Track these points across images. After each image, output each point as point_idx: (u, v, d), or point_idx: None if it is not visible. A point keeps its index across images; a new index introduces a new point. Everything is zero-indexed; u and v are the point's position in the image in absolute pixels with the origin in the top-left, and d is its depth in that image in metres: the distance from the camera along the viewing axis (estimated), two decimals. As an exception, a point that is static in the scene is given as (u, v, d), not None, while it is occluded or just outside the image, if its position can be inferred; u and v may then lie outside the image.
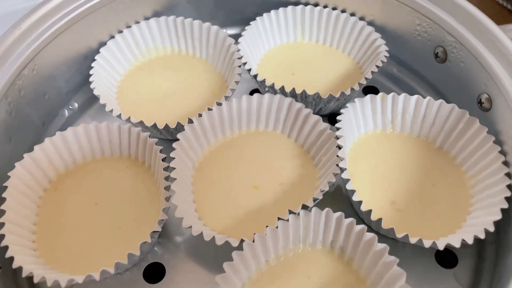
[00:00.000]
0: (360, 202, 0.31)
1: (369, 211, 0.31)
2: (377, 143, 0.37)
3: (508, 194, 0.30)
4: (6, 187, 0.31)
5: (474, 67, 0.35)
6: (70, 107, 0.41)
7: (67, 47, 0.38)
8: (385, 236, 0.33)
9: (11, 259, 0.28)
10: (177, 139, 0.34)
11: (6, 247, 0.28)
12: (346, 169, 0.32)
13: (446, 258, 0.34)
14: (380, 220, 0.31)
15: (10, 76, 0.32)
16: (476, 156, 0.34)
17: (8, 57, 0.33)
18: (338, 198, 0.37)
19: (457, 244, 0.29)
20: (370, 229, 0.31)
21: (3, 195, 0.31)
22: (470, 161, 0.35)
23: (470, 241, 0.29)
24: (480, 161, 0.34)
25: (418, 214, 0.33)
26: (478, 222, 0.31)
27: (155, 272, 0.33)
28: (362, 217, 0.34)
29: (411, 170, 0.36)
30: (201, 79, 0.42)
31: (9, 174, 0.32)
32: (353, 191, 0.32)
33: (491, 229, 0.29)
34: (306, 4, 0.44)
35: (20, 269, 0.28)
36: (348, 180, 0.32)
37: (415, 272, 0.33)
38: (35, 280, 0.28)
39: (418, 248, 0.34)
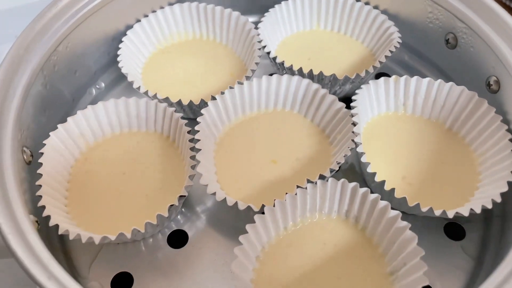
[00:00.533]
0: (374, 174, 0.33)
1: (382, 182, 0.33)
2: (389, 124, 0.39)
3: (514, 168, 0.32)
4: (42, 153, 0.33)
5: (483, 51, 0.37)
6: (97, 86, 0.43)
7: (97, 28, 0.40)
8: (396, 209, 0.35)
9: (48, 218, 0.30)
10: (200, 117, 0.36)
11: (43, 207, 0.31)
12: (361, 143, 0.34)
13: (454, 231, 0.35)
14: (392, 190, 0.32)
15: (47, 50, 0.35)
16: (485, 135, 0.36)
17: (45, 33, 0.35)
18: (352, 175, 0.39)
19: (465, 213, 0.31)
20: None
21: (39, 160, 0.33)
22: (479, 140, 0.36)
23: (478, 210, 0.31)
24: (488, 140, 0.36)
25: (428, 188, 0.35)
26: (486, 195, 0.32)
27: (178, 238, 0.35)
28: (375, 191, 0.36)
29: (421, 149, 0.38)
30: (222, 63, 0.44)
31: (44, 142, 0.34)
32: (367, 164, 0.34)
33: (498, 199, 0.31)
34: (322, -7, 0.46)
35: (56, 227, 0.30)
36: (362, 153, 0.34)
37: (425, 244, 0.34)
38: (71, 237, 0.30)
39: (428, 222, 0.35)
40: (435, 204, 0.33)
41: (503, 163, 0.33)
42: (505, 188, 0.31)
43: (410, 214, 0.35)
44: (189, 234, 0.35)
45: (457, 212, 0.31)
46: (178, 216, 0.36)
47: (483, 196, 0.33)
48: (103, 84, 0.44)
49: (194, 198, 0.37)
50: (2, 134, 0.29)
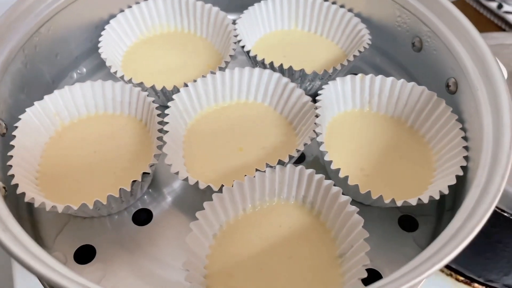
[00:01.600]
0: (330, 162, 0.35)
1: (338, 170, 0.34)
2: (354, 120, 0.41)
3: (464, 163, 0.34)
4: (16, 127, 0.35)
5: (444, 54, 0.39)
6: (78, 71, 0.45)
7: (81, 14, 0.42)
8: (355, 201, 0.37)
9: (16, 186, 0.32)
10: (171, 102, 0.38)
11: (12, 176, 0.32)
12: (321, 133, 0.36)
13: (407, 223, 0.37)
14: (346, 178, 0.34)
15: (29, 30, 0.36)
16: (441, 134, 0.38)
17: (29, 13, 0.37)
18: (315, 167, 0.40)
19: (413, 202, 0.33)
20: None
21: (13, 133, 0.34)
22: (436, 138, 0.38)
23: (425, 200, 0.33)
24: (444, 138, 0.37)
25: (384, 180, 0.37)
26: (436, 188, 0.34)
27: (143, 217, 0.37)
28: (334, 182, 0.38)
29: (382, 144, 0.39)
30: (200, 55, 0.46)
31: (20, 116, 0.35)
32: (330, 162, 0.35)
33: (446, 191, 0.33)
34: (300, -5, 0.48)
35: (23, 195, 0.31)
36: (325, 152, 0.36)
37: (379, 233, 0.36)
38: (36, 205, 0.31)
39: (383, 213, 0.37)
40: (389, 196, 0.34)
41: (455, 159, 0.35)
42: (453, 181, 0.33)
43: (366, 206, 0.37)
44: (154, 213, 0.37)
45: (405, 201, 0.33)
46: (145, 196, 0.38)
47: (433, 189, 0.34)
48: (84, 70, 0.46)
49: (161, 180, 0.39)
50: (-24, 103, 0.31)
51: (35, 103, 0.36)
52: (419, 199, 0.33)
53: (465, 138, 0.35)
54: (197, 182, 0.33)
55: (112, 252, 0.35)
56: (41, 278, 0.23)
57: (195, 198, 0.38)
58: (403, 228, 0.37)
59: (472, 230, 0.25)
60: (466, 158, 0.34)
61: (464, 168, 0.34)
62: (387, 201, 0.33)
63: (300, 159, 0.41)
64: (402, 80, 0.39)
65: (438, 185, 0.35)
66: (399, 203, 0.33)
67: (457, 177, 0.33)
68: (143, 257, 0.34)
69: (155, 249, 0.35)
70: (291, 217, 0.34)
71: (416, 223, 0.37)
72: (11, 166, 0.32)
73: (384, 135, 0.40)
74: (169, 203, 0.38)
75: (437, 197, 0.33)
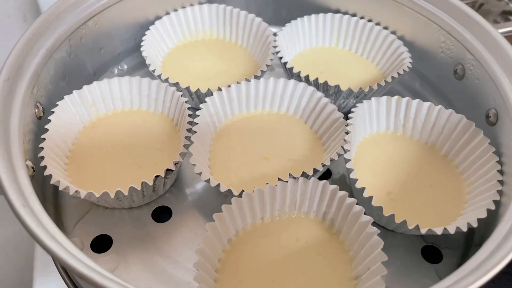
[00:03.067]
0: (362, 189, 0.34)
1: (370, 198, 0.33)
2: (385, 142, 0.40)
3: (497, 198, 0.32)
4: (53, 112, 0.36)
5: (487, 84, 0.37)
6: (119, 67, 0.47)
7: (128, 12, 0.44)
8: (378, 224, 0.35)
9: (45, 168, 0.33)
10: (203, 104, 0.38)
11: (42, 158, 0.33)
12: (350, 160, 0.35)
13: (431, 254, 0.35)
14: (370, 198, 0.33)
15: (76, 22, 0.38)
16: (476, 165, 0.36)
17: (79, 6, 0.38)
18: (341, 186, 0.39)
19: (438, 232, 0.31)
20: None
21: (49, 117, 0.35)
22: (470, 170, 0.37)
23: (452, 231, 0.31)
24: (478, 170, 0.36)
25: (410, 207, 0.35)
26: (465, 220, 0.32)
27: (162, 214, 0.37)
28: (360, 204, 0.37)
29: (412, 170, 0.38)
30: (238, 64, 0.47)
31: (58, 103, 0.37)
32: (355, 180, 0.34)
33: (474, 224, 0.31)
34: (345, 13, 0.48)
35: (49, 177, 0.32)
36: (352, 170, 0.35)
37: (399, 261, 0.35)
38: (60, 188, 0.32)
39: (406, 241, 0.36)
40: (413, 222, 0.33)
41: (488, 192, 0.33)
42: (483, 215, 0.32)
43: (389, 231, 0.36)
44: (173, 211, 0.37)
45: (429, 229, 0.31)
46: (167, 194, 0.38)
47: (462, 221, 0.33)
48: (125, 66, 0.47)
49: (185, 180, 0.39)
50: (18, 84, 0.32)
51: (74, 91, 0.38)
52: (445, 229, 0.31)
53: (500, 172, 0.34)
54: (218, 185, 0.33)
55: (128, 245, 0.35)
56: (54, 256, 0.23)
57: (216, 201, 0.38)
58: (425, 259, 0.35)
59: (497, 265, 0.24)
60: (500, 192, 0.33)
61: (496, 203, 0.32)
62: (411, 227, 0.32)
63: (326, 176, 0.40)
64: (440, 106, 0.38)
65: (467, 217, 0.33)
66: (423, 230, 0.31)
67: (489, 211, 0.32)
68: (157, 254, 0.34)
69: (170, 247, 0.35)
70: (310, 231, 0.34)
71: (440, 255, 0.35)
72: (42, 148, 0.33)
73: (415, 161, 0.39)
74: (190, 204, 0.38)
75: (464, 229, 0.31)
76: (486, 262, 0.24)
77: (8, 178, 0.26)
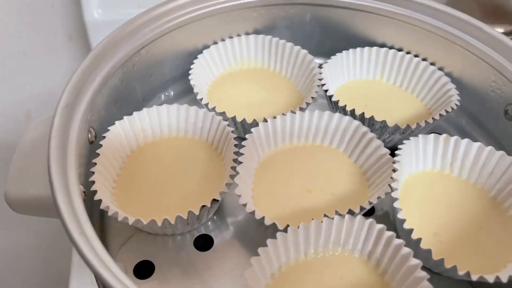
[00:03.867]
0: (410, 231, 0.33)
1: (419, 240, 0.33)
2: (432, 181, 0.39)
3: (553, 247, 0.31)
4: (104, 137, 0.37)
5: (541, 127, 0.36)
6: (166, 93, 0.48)
7: (178, 41, 0.45)
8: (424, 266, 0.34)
9: (95, 192, 0.33)
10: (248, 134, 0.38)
11: (92, 182, 0.34)
12: (398, 199, 0.35)
13: (480, 300, 0.34)
14: (419, 240, 0.32)
15: (131, 50, 0.39)
16: (528, 210, 0.35)
17: (134, 35, 0.40)
18: (385, 223, 0.38)
19: (490, 279, 0.30)
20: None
21: (100, 142, 0.37)
22: (522, 214, 0.35)
23: (504, 279, 0.30)
24: (531, 215, 0.35)
25: (458, 250, 0.34)
26: (517, 267, 0.31)
27: (204, 242, 0.37)
28: (407, 245, 0.36)
29: (460, 211, 0.37)
30: (282, 94, 0.47)
31: (109, 128, 0.38)
32: (403, 220, 0.34)
33: (529, 274, 0.30)
34: (391, 48, 0.48)
35: (99, 201, 0.33)
36: (399, 209, 0.34)
37: (445, 306, 0.34)
38: (109, 213, 0.32)
39: (452, 285, 0.35)
40: (463, 268, 0.32)
41: (542, 240, 0.32)
42: (539, 264, 0.30)
43: (435, 273, 0.35)
44: (215, 241, 0.37)
45: (481, 276, 0.30)
46: (209, 223, 0.38)
47: (514, 269, 0.32)
48: (172, 93, 0.48)
49: (228, 209, 0.39)
50: (76, 110, 0.33)
51: (125, 117, 0.39)
52: (497, 277, 0.30)
53: (556, 219, 0.33)
54: (263, 218, 0.33)
55: (169, 272, 0.35)
56: (106, 286, 0.24)
57: (257, 233, 0.38)
58: (473, 306, 0.34)
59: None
60: (556, 241, 0.31)
61: (552, 252, 0.31)
62: (461, 272, 0.31)
63: (369, 212, 0.39)
64: (490, 147, 0.37)
65: (521, 265, 0.32)
66: (474, 277, 0.30)
67: (543, 260, 0.31)
68: (199, 283, 0.34)
69: (211, 277, 0.35)
70: (354, 271, 0.33)
71: (490, 301, 0.34)
72: (93, 172, 0.34)
73: (463, 202, 0.38)
74: (231, 234, 0.38)
75: (517, 278, 0.30)
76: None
77: (65, 205, 0.26)
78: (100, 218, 0.37)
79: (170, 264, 0.35)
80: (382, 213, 0.39)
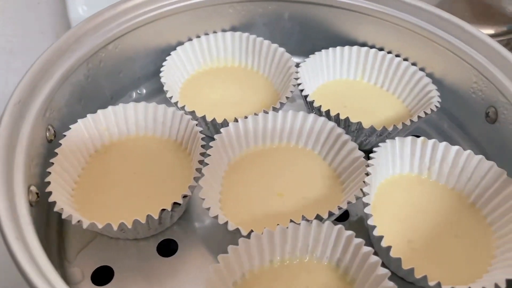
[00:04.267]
0: (380, 238, 0.31)
1: (389, 248, 0.31)
2: (409, 185, 0.38)
3: (530, 257, 0.29)
4: (65, 135, 0.35)
5: (521, 130, 0.35)
6: (138, 91, 0.46)
7: (150, 37, 0.43)
8: (396, 275, 0.33)
9: (49, 194, 0.32)
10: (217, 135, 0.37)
11: (48, 183, 0.32)
12: (369, 204, 0.33)
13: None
14: (389, 248, 0.31)
15: (96, 45, 0.38)
16: (507, 217, 0.33)
17: (100, 29, 0.38)
18: (358, 229, 0.37)
19: (463, 291, 0.28)
20: (383, 265, 0.31)
21: (60, 141, 0.35)
22: (500, 221, 0.34)
23: (478, 292, 0.28)
24: (509, 223, 0.33)
25: (432, 258, 0.33)
26: (492, 278, 0.30)
27: (168, 248, 0.35)
28: (378, 253, 0.34)
29: (436, 217, 0.35)
30: (258, 93, 0.45)
31: (70, 126, 0.36)
32: (373, 227, 0.32)
33: (502, 285, 0.28)
34: (372, 47, 0.46)
35: (54, 203, 0.31)
36: (370, 215, 0.33)
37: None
38: (63, 216, 0.31)
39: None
40: (435, 277, 0.30)
41: (519, 249, 0.31)
42: (511, 276, 0.29)
43: (408, 283, 0.33)
44: (180, 246, 0.35)
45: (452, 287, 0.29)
46: (174, 227, 0.36)
47: (488, 279, 0.30)
48: (144, 91, 0.46)
49: (194, 212, 0.37)
50: (30, 107, 0.32)
51: (88, 115, 0.37)
52: (470, 288, 0.29)
53: (534, 228, 0.31)
54: (226, 222, 0.32)
55: (129, 279, 0.33)
56: None
57: (225, 238, 0.36)
58: (446, 316, 0.32)
59: None
60: (533, 251, 0.30)
61: (529, 262, 0.29)
62: (432, 283, 0.29)
63: (344, 217, 0.38)
64: (469, 151, 0.36)
65: (495, 275, 0.30)
66: (445, 286, 0.29)
67: (520, 271, 0.29)
68: (159, 291, 0.33)
69: (174, 284, 0.33)
70: (321, 279, 0.31)
71: (463, 314, 0.32)
72: (49, 173, 0.33)
73: (440, 208, 0.36)
74: (197, 239, 0.36)
75: (492, 290, 0.28)
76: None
77: (4, 207, 0.24)
78: (58, 222, 0.35)
79: (130, 270, 0.34)
80: (357, 219, 0.38)
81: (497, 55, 0.37)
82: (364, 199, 0.33)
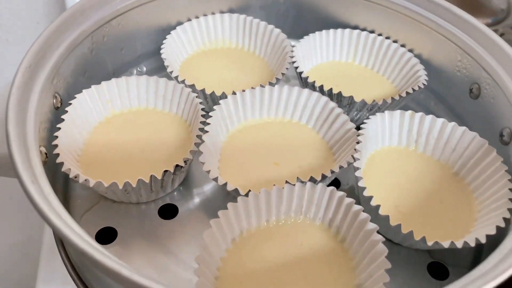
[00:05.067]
0: (370, 198, 0.33)
1: (377, 207, 0.33)
2: (397, 157, 0.40)
3: (508, 216, 0.32)
4: (70, 103, 0.37)
5: (502, 103, 0.37)
6: (138, 69, 0.48)
7: (151, 16, 0.45)
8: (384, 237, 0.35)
9: (57, 156, 0.33)
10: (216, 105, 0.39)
11: (55, 146, 0.34)
12: (359, 168, 0.35)
13: (437, 270, 0.35)
14: (378, 207, 0.33)
15: (100, 20, 0.39)
16: (488, 184, 0.36)
17: (104, 4, 0.40)
18: (350, 196, 0.39)
19: (445, 245, 0.31)
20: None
21: (66, 108, 0.36)
22: (482, 188, 0.36)
23: (459, 245, 0.31)
24: (490, 188, 0.35)
25: (418, 221, 0.35)
26: (473, 235, 0.32)
27: (168, 211, 0.37)
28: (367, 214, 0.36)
29: (422, 186, 0.38)
30: (255, 73, 0.47)
31: (76, 95, 0.38)
32: (363, 188, 0.34)
33: (483, 240, 0.31)
34: (363, 30, 0.48)
35: (61, 165, 0.33)
36: (360, 178, 0.35)
37: (404, 275, 0.34)
38: (71, 175, 0.32)
39: (412, 256, 0.35)
40: (420, 235, 0.32)
41: (498, 210, 0.33)
42: (493, 232, 0.31)
43: (396, 245, 0.35)
44: (180, 210, 0.37)
45: (436, 242, 0.31)
46: (175, 193, 0.38)
47: (470, 236, 0.32)
48: (144, 68, 0.48)
49: (194, 180, 0.39)
50: (39, 72, 0.33)
51: (92, 86, 0.39)
52: (452, 242, 0.31)
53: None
54: (225, 184, 0.33)
55: (132, 239, 0.35)
56: (55, 230, 0.24)
57: (223, 204, 0.37)
58: (431, 275, 0.34)
59: (502, 273, 0.23)
60: (511, 210, 0.32)
61: (507, 221, 0.31)
62: (417, 238, 0.31)
63: (335, 185, 0.40)
64: (453, 123, 0.38)
65: (476, 233, 0.32)
66: (430, 243, 0.31)
67: (498, 229, 0.31)
68: (161, 250, 0.34)
69: (174, 244, 0.35)
70: (314, 238, 0.33)
71: (447, 273, 0.34)
72: (56, 137, 0.34)
73: (426, 177, 0.38)
74: (196, 204, 0.38)
75: (472, 244, 0.30)
76: (490, 272, 0.24)
77: (20, 156, 0.26)
78: (64, 185, 0.37)
79: (133, 231, 0.35)
80: (348, 187, 0.40)
81: (480, 34, 0.39)
82: (355, 164, 0.35)
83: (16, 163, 0.25)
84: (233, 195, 0.34)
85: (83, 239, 0.23)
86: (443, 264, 0.35)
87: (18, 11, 0.92)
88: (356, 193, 0.39)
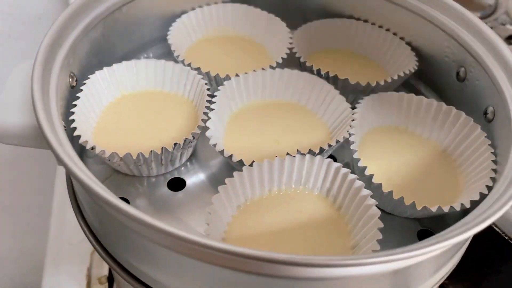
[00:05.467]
0: (364, 168, 0.36)
1: (371, 176, 0.36)
2: (389, 136, 0.43)
3: (491, 183, 0.35)
4: (84, 83, 0.39)
5: (486, 84, 0.40)
6: (145, 55, 0.50)
7: (159, 4, 0.48)
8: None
9: (73, 131, 0.36)
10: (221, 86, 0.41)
11: (72, 121, 0.36)
12: (354, 142, 0.38)
13: (426, 237, 0.37)
14: (371, 176, 0.36)
15: (113, 5, 0.42)
16: (473, 158, 0.39)
17: (116, -8, 0.42)
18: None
19: (433, 209, 0.34)
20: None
21: (81, 87, 0.39)
22: (467, 162, 0.39)
23: (446, 210, 0.34)
24: (475, 161, 0.38)
25: (409, 191, 0.38)
26: (459, 200, 0.35)
27: (177, 184, 0.40)
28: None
29: (412, 161, 0.40)
30: (257, 60, 0.50)
31: (89, 76, 0.40)
32: (358, 160, 0.37)
33: (467, 205, 0.34)
34: (357, 19, 0.51)
35: (78, 137, 0.35)
36: (355, 151, 0.38)
37: (395, 243, 0.37)
38: (88, 147, 0.35)
39: (403, 224, 0.38)
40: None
41: (482, 179, 0.36)
42: (476, 197, 0.34)
43: (387, 214, 0.38)
44: (188, 183, 0.40)
45: (425, 207, 0.34)
46: (182, 168, 0.41)
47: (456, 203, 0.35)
48: (151, 55, 0.51)
49: (201, 157, 0.42)
50: (58, 52, 0.36)
51: (104, 68, 0.41)
52: (439, 207, 0.34)
53: (495, 162, 0.36)
54: (231, 155, 0.36)
55: (143, 208, 0.37)
56: (91, 191, 0.26)
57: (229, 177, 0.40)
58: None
59: (484, 221, 0.26)
60: (493, 179, 0.35)
61: (490, 188, 0.34)
62: (407, 203, 0.34)
63: (331, 162, 0.43)
64: (441, 102, 0.41)
65: (462, 199, 0.35)
66: (419, 206, 0.34)
67: (482, 196, 0.34)
68: (170, 218, 0.37)
69: (182, 213, 0.37)
70: (313, 206, 0.36)
71: (435, 239, 0.37)
72: (73, 113, 0.37)
73: (416, 154, 0.41)
74: (203, 178, 0.40)
75: (458, 208, 0.33)
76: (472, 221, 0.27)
77: (48, 124, 0.29)
78: (79, 158, 0.39)
79: (143, 201, 0.38)
80: (343, 164, 0.42)
81: (466, 20, 0.42)
82: (350, 139, 0.38)
83: (45, 130, 0.28)
84: (237, 170, 0.37)
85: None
86: (431, 231, 0.38)
87: (19, 6, 0.95)
88: (351, 168, 0.42)
